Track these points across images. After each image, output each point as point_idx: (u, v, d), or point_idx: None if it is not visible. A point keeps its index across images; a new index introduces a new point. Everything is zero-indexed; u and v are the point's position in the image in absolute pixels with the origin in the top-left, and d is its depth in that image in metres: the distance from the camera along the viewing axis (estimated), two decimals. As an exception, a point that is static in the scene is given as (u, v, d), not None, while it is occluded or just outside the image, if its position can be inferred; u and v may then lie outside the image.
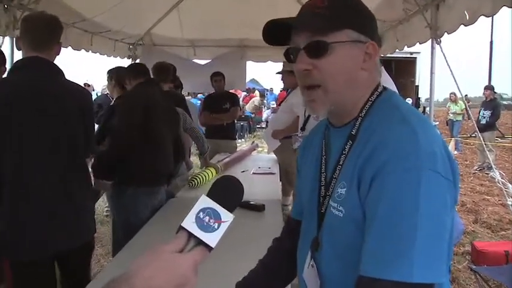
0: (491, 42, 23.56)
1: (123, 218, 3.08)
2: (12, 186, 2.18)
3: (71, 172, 2.35)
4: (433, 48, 3.88)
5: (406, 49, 5.09)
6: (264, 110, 19.54)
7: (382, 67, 2.50)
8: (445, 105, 16.60)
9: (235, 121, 6.86)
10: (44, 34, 2.28)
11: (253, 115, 18.23)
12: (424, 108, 14.76)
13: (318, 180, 1.10)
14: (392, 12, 4.50)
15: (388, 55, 6.40)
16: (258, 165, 4.91)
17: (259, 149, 8.57)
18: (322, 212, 1.06)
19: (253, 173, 4.55)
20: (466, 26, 3.33)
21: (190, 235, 0.79)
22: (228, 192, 0.86)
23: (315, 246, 1.07)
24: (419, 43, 4.23)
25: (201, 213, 0.80)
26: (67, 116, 2.32)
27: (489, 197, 7.60)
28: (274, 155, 5.51)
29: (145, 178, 3.09)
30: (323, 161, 1.11)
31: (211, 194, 0.83)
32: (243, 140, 15.61)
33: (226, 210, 0.81)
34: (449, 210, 0.88)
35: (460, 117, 13.89)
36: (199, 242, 0.79)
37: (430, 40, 3.87)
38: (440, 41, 3.76)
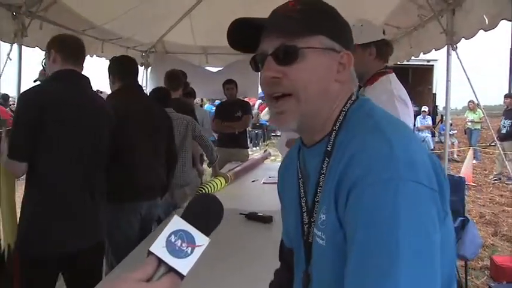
0: (511, 49, 23.03)
1: (108, 236, 3.00)
2: (34, 190, 2.34)
3: (92, 180, 2.51)
4: (449, 54, 3.75)
5: (423, 56, 4.98)
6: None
7: (393, 74, 2.41)
8: (464, 114, 16.33)
9: (250, 129, 6.78)
10: (76, 52, 2.55)
11: (268, 123, 18.16)
12: (442, 116, 14.56)
13: (299, 206, 1.01)
14: (406, 19, 4.39)
15: (405, 62, 6.28)
16: (269, 174, 4.81)
17: (272, 157, 8.48)
18: (309, 241, 0.96)
19: (264, 183, 4.45)
20: (486, 31, 3.21)
21: (161, 261, 0.71)
22: (204, 213, 0.78)
23: (306, 281, 0.98)
24: (435, 50, 4.10)
25: (173, 236, 0.71)
26: (93, 126, 2.52)
27: (509, 209, 7.38)
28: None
29: (122, 194, 2.96)
30: (301, 185, 1.02)
31: (185, 215, 0.75)
32: (257, 148, 15.56)
33: (201, 233, 0.73)
34: (436, 224, 0.78)
35: (478, 126, 13.63)
36: (170, 269, 0.70)
37: (446, 46, 3.74)
38: (456, 47, 3.63)
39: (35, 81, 4.88)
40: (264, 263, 1.33)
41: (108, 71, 3.23)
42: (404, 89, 2.34)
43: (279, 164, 4.76)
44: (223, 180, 4.12)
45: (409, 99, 2.30)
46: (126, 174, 2.95)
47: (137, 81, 3.31)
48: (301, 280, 1.00)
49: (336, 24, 0.95)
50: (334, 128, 0.93)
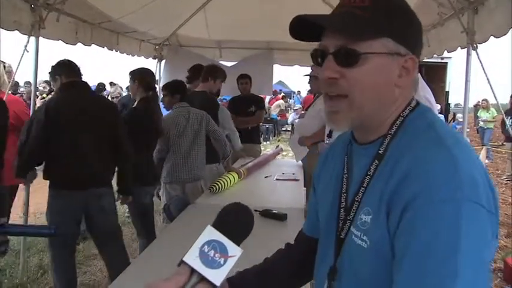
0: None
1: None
2: None
3: None
4: (468, 54, 3.68)
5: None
6: (289, 112, 19.42)
7: (419, 73, 2.37)
8: (474, 112, 16.19)
9: (261, 123, 6.71)
10: None
11: (278, 118, 18.15)
12: (454, 114, 14.46)
13: (338, 201, 0.98)
14: (426, 16, 4.32)
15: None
16: (281, 170, 4.80)
17: (284, 153, 8.45)
18: (341, 237, 0.94)
19: (277, 179, 4.44)
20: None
21: (193, 270, 0.70)
22: (236, 223, 0.77)
23: (333, 275, 0.96)
24: (456, 49, 4.02)
25: (206, 246, 0.71)
26: None
27: (523, 210, 7.27)
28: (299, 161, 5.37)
29: (52, 182, 3.22)
30: (344, 180, 0.99)
31: (217, 224, 0.74)
32: (268, 142, 15.54)
33: (233, 244, 0.72)
34: (490, 249, 0.76)
35: (491, 125, 13.48)
36: (203, 279, 0.70)
37: (466, 46, 3.68)
38: (477, 46, 3.57)
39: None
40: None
41: (53, 73, 3.30)
42: (429, 89, 2.30)
43: (291, 160, 4.76)
44: (236, 176, 4.10)
45: (433, 99, 2.26)
46: (55, 164, 3.18)
47: (81, 79, 3.42)
48: (326, 273, 0.98)
49: (406, 25, 0.89)
50: (390, 132, 0.90)
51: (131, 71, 3.87)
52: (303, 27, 0.91)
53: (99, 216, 3.35)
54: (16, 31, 3.48)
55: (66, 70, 3.28)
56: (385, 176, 0.84)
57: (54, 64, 3.36)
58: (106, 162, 3.36)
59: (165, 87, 4.15)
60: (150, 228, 4.01)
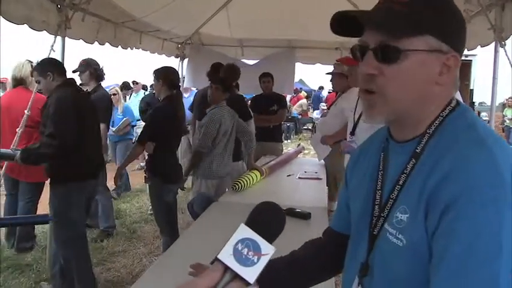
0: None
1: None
2: None
3: None
4: (496, 51, 3.61)
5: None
6: (310, 110, 19.32)
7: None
8: (499, 110, 15.88)
9: (282, 122, 6.70)
10: None
11: (300, 116, 18.09)
12: (479, 112, 14.22)
13: (372, 197, 0.97)
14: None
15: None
16: (304, 169, 4.79)
17: (305, 151, 8.42)
18: (374, 234, 0.94)
19: (299, 178, 4.43)
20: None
21: (227, 268, 0.70)
22: (269, 222, 0.77)
23: (364, 272, 0.96)
24: (481, 46, 3.94)
25: (239, 244, 0.71)
26: None
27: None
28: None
29: (76, 174, 3.27)
30: (379, 177, 0.97)
31: (250, 223, 0.74)
32: (289, 141, 15.52)
33: (266, 242, 0.72)
34: None
35: (517, 123, 13.21)
36: (236, 276, 0.70)
37: (494, 43, 3.61)
38: (505, 43, 3.49)
39: (74, 71, 4.96)
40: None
41: (43, 69, 3.32)
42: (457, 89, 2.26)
43: (313, 158, 4.73)
44: (258, 174, 4.11)
45: (461, 98, 2.22)
46: (75, 156, 3.19)
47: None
48: (358, 269, 0.98)
49: (448, 21, 0.86)
50: (428, 132, 0.88)
51: (155, 70, 3.90)
52: (342, 23, 0.90)
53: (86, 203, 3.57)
54: (44, 31, 3.54)
55: (57, 68, 3.37)
56: (423, 176, 0.83)
57: (41, 60, 3.46)
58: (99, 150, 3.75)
59: (223, 82, 4.10)
60: (173, 225, 4.03)
